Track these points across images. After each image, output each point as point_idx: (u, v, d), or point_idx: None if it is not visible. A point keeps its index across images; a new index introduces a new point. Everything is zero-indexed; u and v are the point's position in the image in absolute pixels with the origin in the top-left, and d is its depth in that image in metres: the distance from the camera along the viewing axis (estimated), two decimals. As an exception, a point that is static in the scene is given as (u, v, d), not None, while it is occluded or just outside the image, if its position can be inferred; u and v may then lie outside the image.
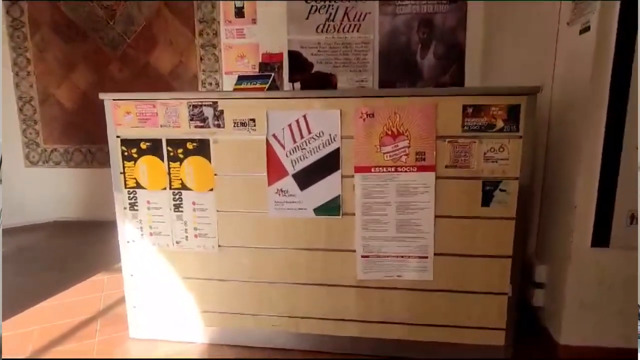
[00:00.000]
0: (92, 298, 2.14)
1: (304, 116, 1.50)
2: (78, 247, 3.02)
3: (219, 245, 1.63)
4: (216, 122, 1.54)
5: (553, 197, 1.71)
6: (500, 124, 1.41)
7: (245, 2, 3.14)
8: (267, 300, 1.65)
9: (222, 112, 1.53)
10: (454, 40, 3.09)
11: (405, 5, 3.07)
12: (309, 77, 3.23)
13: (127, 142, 1.60)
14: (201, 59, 3.23)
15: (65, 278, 2.39)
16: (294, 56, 3.20)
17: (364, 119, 1.47)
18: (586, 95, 1.44)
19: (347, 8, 3.10)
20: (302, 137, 1.51)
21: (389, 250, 1.55)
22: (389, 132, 1.46)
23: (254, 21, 3.17)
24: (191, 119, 1.55)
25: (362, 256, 1.56)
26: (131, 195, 1.64)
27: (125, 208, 1.65)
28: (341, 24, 3.13)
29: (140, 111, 1.57)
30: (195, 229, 1.63)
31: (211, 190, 1.59)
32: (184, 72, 3.26)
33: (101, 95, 1.58)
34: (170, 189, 1.61)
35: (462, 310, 1.56)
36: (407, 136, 1.46)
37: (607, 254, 1.50)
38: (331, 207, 1.54)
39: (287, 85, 3.18)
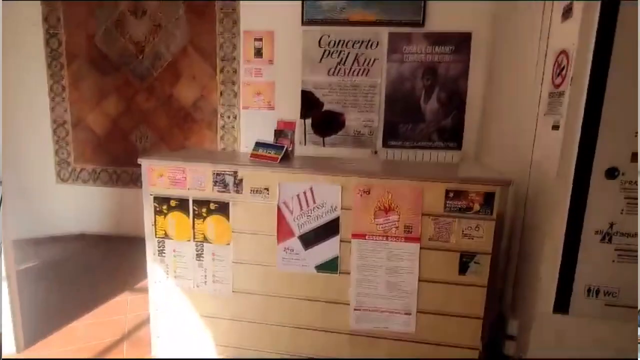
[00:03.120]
0: (118, 320, 2.44)
1: (310, 188, 1.76)
2: (103, 261, 3.33)
3: (233, 291, 1.90)
4: (235, 188, 1.81)
5: (526, 264, 1.95)
6: (477, 207, 1.65)
7: (264, 43, 3.41)
8: (273, 339, 1.92)
9: (241, 180, 1.80)
10: (456, 88, 3.32)
11: (411, 54, 3.30)
12: (320, 115, 3.50)
13: (159, 200, 1.88)
14: (221, 93, 3.51)
15: (93, 296, 2.68)
16: (307, 95, 3.46)
17: (361, 195, 1.73)
18: (554, 186, 1.68)
19: (357, 54, 3.35)
20: (308, 205, 1.77)
21: (378, 306, 1.80)
22: (382, 207, 1.72)
23: (271, 62, 3.44)
24: (215, 184, 1.82)
25: (355, 309, 1.82)
26: (160, 244, 1.92)
27: (154, 254, 1.94)
28: (351, 68, 3.38)
29: (171, 175, 1.85)
30: (214, 275, 1.90)
31: (229, 244, 1.86)
32: (205, 105, 3.54)
33: (139, 160, 1.86)
34: (194, 240, 1.89)
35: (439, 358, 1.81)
36: (397, 212, 1.71)
37: (566, 320, 1.74)
38: (330, 266, 1.80)
39: (299, 122, 3.45)
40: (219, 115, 3.55)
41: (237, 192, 1.81)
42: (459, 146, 3.39)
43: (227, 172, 1.80)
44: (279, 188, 1.77)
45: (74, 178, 3.78)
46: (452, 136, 3.39)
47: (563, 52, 1.67)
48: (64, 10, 3.49)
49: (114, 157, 3.70)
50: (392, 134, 3.44)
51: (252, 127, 3.55)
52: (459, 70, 3.29)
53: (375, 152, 3.45)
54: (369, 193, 1.72)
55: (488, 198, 1.64)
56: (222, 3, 3.37)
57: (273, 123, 3.50)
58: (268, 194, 1.79)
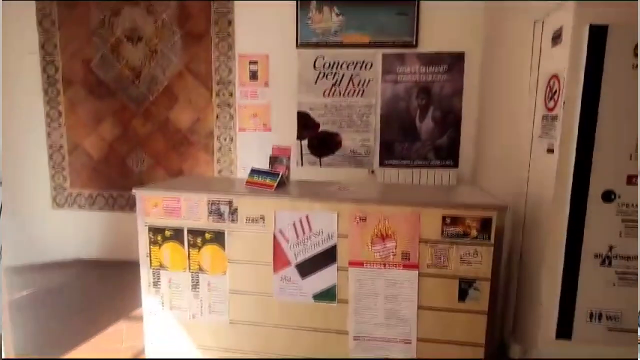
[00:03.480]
0: (113, 351, 2.38)
1: (307, 216, 1.74)
2: (99, 287, 3.29)
3: (230, 321, 1.86)
4: (231, 218, 1.79)
5: (527, 289, 1.92)
6: (474, 233, 1.64)
7: (259, 66, 3.44)
8: (270, 370, 1.88)
9: (236, 209, 1.79)
10: (451, 106, 3.34)
11: (405, 74, 3.33)
12: (316, 136, 3.51)
13: (153, 230, 1.86)
14: (217, 116, 3.52)
15: (88, 325, 2.62)
16: (303, 116, 3.47)
17: (357, 222, 1.71)
18: (551, 209, 1.67)
19: (352, 75, 3.38)
20: (304, 233, 1.75)
21: (377, 334, 1.77)
22: (379, 234, 1.70)
23: (266, 84, 3.46)
24: (210, 214, 1.81)
25: (354, 338, 1.79)
26: (155, 275, 1.89)
27: (149, 285, 1.91)
28: (346, 89, 3.40)
29: (166, 204, 1.83)
30: (210, 306, 1.87)
31: (225, 274, 1.84)
32: (201, 128, 3.55)
33: (133, 191, 1.85)
34: (190, 271, 1.86)
35: (441, 388, 1.76)
36: (394, 239, 1.69)
37: (569, 345, 1.71)
38: (328, 295, 1.77)
39: (295, 143, 3.46)
40: (215, 138, 3.55)
41: (233, 221, 1.80)
42: (455, 164, 3.39)
43: (222, 201, 1.79)
44: (274, 216, 1.76)
45: (70, 203, 3.76)
46: (448, 154, 3.39)
47: (554, 76, 1.68)
48: (61, 38, 3.52)
49: (110, 181, 3.69)
50: (388, 153, 3.45)
51: (249, 149, 3.55)
52: (453, 89, 3.32)
53: (372, 172, 3.44)
54: (366, 220, 1.70)
55: (485, 223, 1.62)
56: (218, 27, 3.41)
57: (269, 144, 3.47)
58: (264, 222, 1.78)
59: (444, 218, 1.65)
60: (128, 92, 3.55)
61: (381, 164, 3.46)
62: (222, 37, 3.41)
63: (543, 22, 1.83)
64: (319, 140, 3.51)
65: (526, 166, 1.95)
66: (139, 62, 3.50)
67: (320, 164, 3.52)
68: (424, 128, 3.39)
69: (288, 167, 2.05)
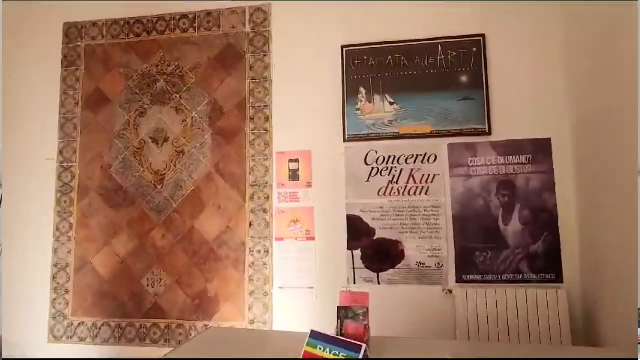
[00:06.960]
0: None
1: None
2: None
3: None
4: None
5: None
6: None
7: (300, 164, 2.92)
8: None
9: (295, 421, 1.04)
10: (542, 203, 2.64)
11: (479, 167, 2.72)
12: (371, 245, 2.81)
13: None
14: (250, 224, 2.93)
15: None
16: (354, 221, 2.83)
17: None
18: None
19: (412, 170, 2.79)
20: None
21: None
22: None
23: (309, 184, 2.90)
24: None
25: None
26: None
27: None
28: (406, 186, 2.79)
29: (178, 408, 1.11)
30: None
31: None
32: (231, 238, 2.94)
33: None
34: None
35: None
36: None
37: None
38: None
39: (345, 254, 2.76)
40: (247, 250, 2.92)
41: None
42: (558, 278, 2.58)
43: (271, 406, 1.05)
44: None
45: (69, 335, 3.06)
46: (547, 266, 2.60)
47: None
48: (81, 143, 3.19)
49: (119, 306, 3.01)
50: (467, 266, 2.68)
51: (287, 262, 2.88)
52: (543, 183, 2.65)
53: (450, 292, 2.64)
54: None
55: None
56: (254, 124, 2.99)
57: (312, 256, 2.81)
58: None
59: None
60: (149, 199, 3.06)
61: (458, 279, 2.68)
62: (259, 134, 2.98)
63: None
64: (375, 251, 2.80)
65: None
66: (164, 165, 3.07)
67: (379, 281, 2.77)
68: (511, 231, 2.66)
69: (367, 327, 1.32)
